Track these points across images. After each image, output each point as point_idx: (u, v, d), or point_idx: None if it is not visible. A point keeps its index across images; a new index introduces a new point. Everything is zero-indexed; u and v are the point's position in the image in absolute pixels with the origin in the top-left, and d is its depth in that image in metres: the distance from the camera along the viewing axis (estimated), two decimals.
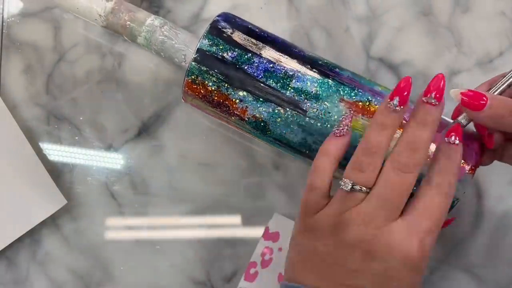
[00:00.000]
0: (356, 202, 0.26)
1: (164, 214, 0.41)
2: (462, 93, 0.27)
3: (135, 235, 0.41)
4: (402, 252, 0.25)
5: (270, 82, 0.32)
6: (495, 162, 0.40)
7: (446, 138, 0.27)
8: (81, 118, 0.41)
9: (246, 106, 0.32)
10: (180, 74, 0.41)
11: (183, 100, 0.35)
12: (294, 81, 0.32)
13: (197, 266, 0.40)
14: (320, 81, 0.32)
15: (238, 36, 0.33)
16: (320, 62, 0.33)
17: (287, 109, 0.32)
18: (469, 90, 0.28)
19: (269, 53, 0.32)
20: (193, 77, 0.33)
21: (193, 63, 0.32)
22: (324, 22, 0.41)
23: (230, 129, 0.41)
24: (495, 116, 0.27)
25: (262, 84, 0.32)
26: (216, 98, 0.33)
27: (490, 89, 0.29)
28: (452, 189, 0.27)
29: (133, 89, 0.42)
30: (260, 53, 0.32)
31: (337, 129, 0.28)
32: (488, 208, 0.39)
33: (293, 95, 0.32)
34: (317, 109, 0.31)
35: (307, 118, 0.31)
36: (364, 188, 0.26)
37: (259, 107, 0.32)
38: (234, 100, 0.32)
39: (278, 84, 0.32)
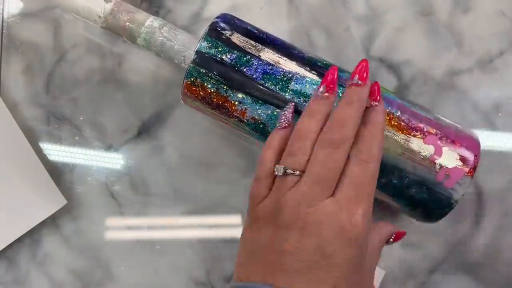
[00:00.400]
0: (290, 185, 0.27)
1: (164, 214, 0.41)
2: None
3: (135, 235, 0.41)
4: (333, 225, 0.25)
5: (269, 84, 0.32)
6: (495, 162, 0.40)
7: (368, 103, 0.28)
8: (81, 118, 0.41)
9: (245, 108, 0.32)
10: (180, 74, 0.41)
11: (182, 101, 0.35)
12: (292, 83, 0.32)
13: (197, 266, 0.40)
14: (319, 83, 0.32)
15: (237, 38, 0.33)
16: (319, 64, 0.33)
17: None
18: None
19: (268, 55, 0.32)
20: (192, 79, 0.33)
21: (192, 65, 0.32)
22: (324, 22, 0.41)
23: (230, 129, 0.41)
24: None
25: (260, 86, 0.32)
26: (215, 100, 0.33)
27: None
28: (372, 154, 0.27)
29: (133, 89, 0.42)
30: (259, 55, 0.32)
31: (279, 122, 0.30)
32: (488, 208, 0.39)
33: (292, 97, 0.32)
34: None
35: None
36: (297, 172, 0.27)
37: (258, 109, 0.32)
38: (233, 102, 0.32)
39: (277, 86, 0.32)
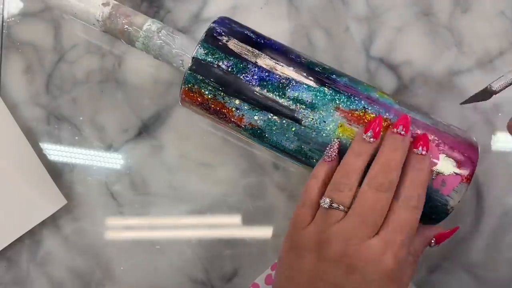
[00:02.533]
0: (335, 219, 0.28)
1: (164, 214, 0.41)
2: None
3: (135, 235, 0.41)
4: (379, 266, 0.27)
5: (266, 91, 0.32)
6: (495, 162, 0.40)
7: (414, 150, 0.30)
8: (81, 118, 0.41)
9: (242, 114, 0.32)
10: (180, 75, 0.41)
11: (181, 105, 0.35)
12: (289, 90, 0.32)
13: (197, 266, 0.40)
14: (316, 89, 0.32)
15: (234, 44, 0.32)
16: (317, 69, 0.33)
17: (283, 117, 0.32)
18: None
19: (264, 61, 0.32)
20: (189, 85, 0.33)
21: (188, 72, 0.32)
22: (324, 22, 0.41)
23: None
24: None
25: (257, 93, 0.32)
26: (212, 106, 0.33)
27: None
28: (420, 200, 0.29)
29: (133, 89, 0.42)
30: (256, 61, 0.32)
31: (326, 156, 0.31)
32: (488, 208, 0.39)
33: (289, 104, 0.31)
34: (312, 118, 0.31)
35: (303, 127, 0.31)
36: (342, 207, 0.28)
37: (255, 115, 0.32)
38: (230, 108, 0.32)
39: (274, 93, 0.32)
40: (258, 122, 0.32)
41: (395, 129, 0.30)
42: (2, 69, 0.42)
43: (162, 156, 0.41)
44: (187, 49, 0.35)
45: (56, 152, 0.41)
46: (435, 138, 0.31)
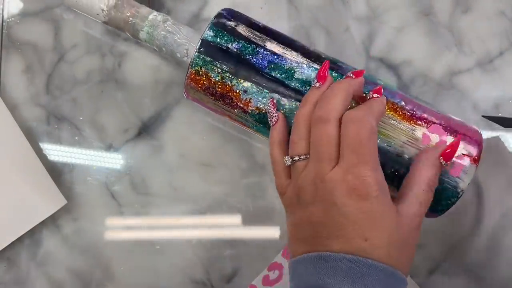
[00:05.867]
0: (301, 169, 0.29)
1: (164, 214, 0.41)
2: None
3: (135, 235, 0.41)
4: (343, 189, 0.27)
5: (275, 73, 0.32)
6: (495, 162, 0.40)
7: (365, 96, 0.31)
8: (81, 118, 0.41)
9: (250, 97, 0.32)
10: (181, 74, 0.41)
11: (184, 95, 0.35)
12: (298, 73, 0.32)
13: (197, 266, 0.40)
14: None
15: (242, 29, 0.33)
16: (323, 56, 0.33)
17: (292, 100, 0.32)
18: None
19: (273, 45, 0.33)
20: (197, 68, 0.32)
21: (197, 53, 0.32)
22: (324, 22, 0.41)
23: (230, 129, 0.41)
24: None
25: (266, 75, 0.32)
26: (219, 89, 0.33)
27: None
28: (363, 112, 0.28)
29: (133, 89, 0.42)
30: (265, 45, 0.32)
31: (270, 120, 0.32)
32: (488, 208, 0.39)
33: (297, 86, 0.32)
34: None
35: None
36: (303, 156, 0.29)
37: (262, 98, 0.32)
38: (237, 91, 0.32)
39: (283, 75, 0.32)
40: (265, 105, 0.32)
41: (346, 75, 0.31)
42: (2, 69, 0.42)
43: (162, 156, 0.41)
44: (192, 39, 0.35)
45: (56, 152, 0.41)
46: (442, 122, 0.32)
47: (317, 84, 0.30)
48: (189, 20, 0.42)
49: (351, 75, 0.30)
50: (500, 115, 0.40)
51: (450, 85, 0.40)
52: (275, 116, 0.32)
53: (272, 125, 0.32)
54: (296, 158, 0.30)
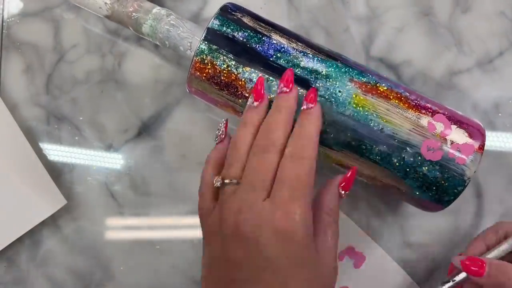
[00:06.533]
0: (229, 194, 0.27)
1: (164, 214, 0.41)
2: (462, 262, 0.31)
3: (135, 235, 0.41)
4: (270, 226, 0.25)
5: (281, 61, 0.32)
6: (495, 162, 0.40)
7: (302, 107, 0.29)
8: (81, 118, 0.41)
9: None
10: (181, 74, 0.41)
11: (187, 88, 0.35)
12: (304, 62, 0.32)
13: (197, 266, 0.40)
14: (329, 62, 0.32)
15: (248, 20, 0.33)
16: (327, 49, 0.34)
17: (298, 88, 0.32)
18: (468, 258, 0.31)
19: (278, 35, 0.33)
20: (202, 56, 0.32)
21: (202, 41, 0.32)
22: (324, 22, 0.41)
23: (230, 129, 0.41)
24: (495, 283, 0.30)
25: (272, 64, 0.32)
26: (224, 78, 0.33)
27: (488, 249, 0.33)
28: (306, 150, 0.27)
29: (133, 89, 0.42)
30: (270, 35, 0.33)
31: (216, 137, 0.31)
32: (488, 208, 0.39)
33: (303, 75, 0.32)
34: (328, 88, 0.32)
35: (318, 98, 0.31)
36: (234, 180, 0.27)
37: (268, 87, 0.32)
38: (243, 80, 0.32)
39: (289, 64, 0.32)
40: (270, 94, 0.32)
41: (279, 90, 0.30)
42: (2, 69, 0.42)
43: (162, 156, 0.41)
44: (195, 33, 0.35)
45: (55, 152, 0.41)
46: (446, 112, 0.32)
47: (255, 104, 0.30)
48: (189, 20, 0.42)
49: (284, 88, 0.29)
50: (500, 115, 0.40)
51: (450, 85, 0.41)
52: (220, 135, 0.31)
53: (216, 143, 0.31)
54: (227, 181, 0.28)
